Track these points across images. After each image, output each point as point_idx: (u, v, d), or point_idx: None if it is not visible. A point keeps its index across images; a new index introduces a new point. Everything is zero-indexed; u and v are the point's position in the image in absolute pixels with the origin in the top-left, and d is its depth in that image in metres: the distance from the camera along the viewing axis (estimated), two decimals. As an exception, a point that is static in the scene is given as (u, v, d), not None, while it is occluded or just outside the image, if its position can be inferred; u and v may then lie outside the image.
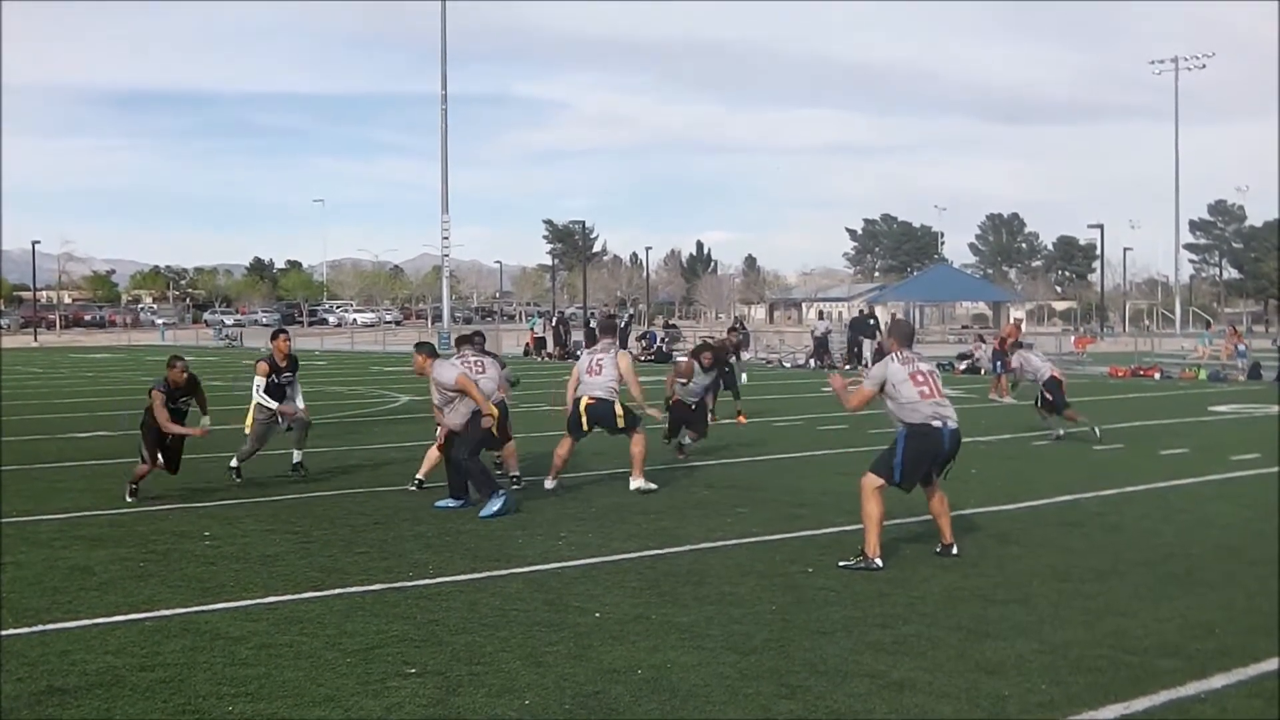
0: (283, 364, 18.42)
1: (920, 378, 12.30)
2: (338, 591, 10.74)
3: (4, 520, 14.17)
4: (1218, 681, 8.24)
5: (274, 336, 18.91)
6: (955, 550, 12.31)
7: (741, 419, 25.77)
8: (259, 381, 18.25)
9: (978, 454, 20.69)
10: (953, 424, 12.26)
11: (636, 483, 16.28)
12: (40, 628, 9.54)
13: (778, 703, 7.78)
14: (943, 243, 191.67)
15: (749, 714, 7.59)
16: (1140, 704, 7.78)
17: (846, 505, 15.13)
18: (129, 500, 15.53)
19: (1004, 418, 27.07)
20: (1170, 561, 12.16)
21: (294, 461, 18.26)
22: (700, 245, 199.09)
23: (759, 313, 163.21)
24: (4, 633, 9.37)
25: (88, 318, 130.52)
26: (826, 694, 7.95)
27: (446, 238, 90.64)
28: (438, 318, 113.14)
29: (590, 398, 16.76)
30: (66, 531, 13.57)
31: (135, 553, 12.36)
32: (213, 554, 12.36)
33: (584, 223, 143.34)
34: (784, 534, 13.11)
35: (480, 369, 16.81)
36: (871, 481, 12.08)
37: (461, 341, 18.12)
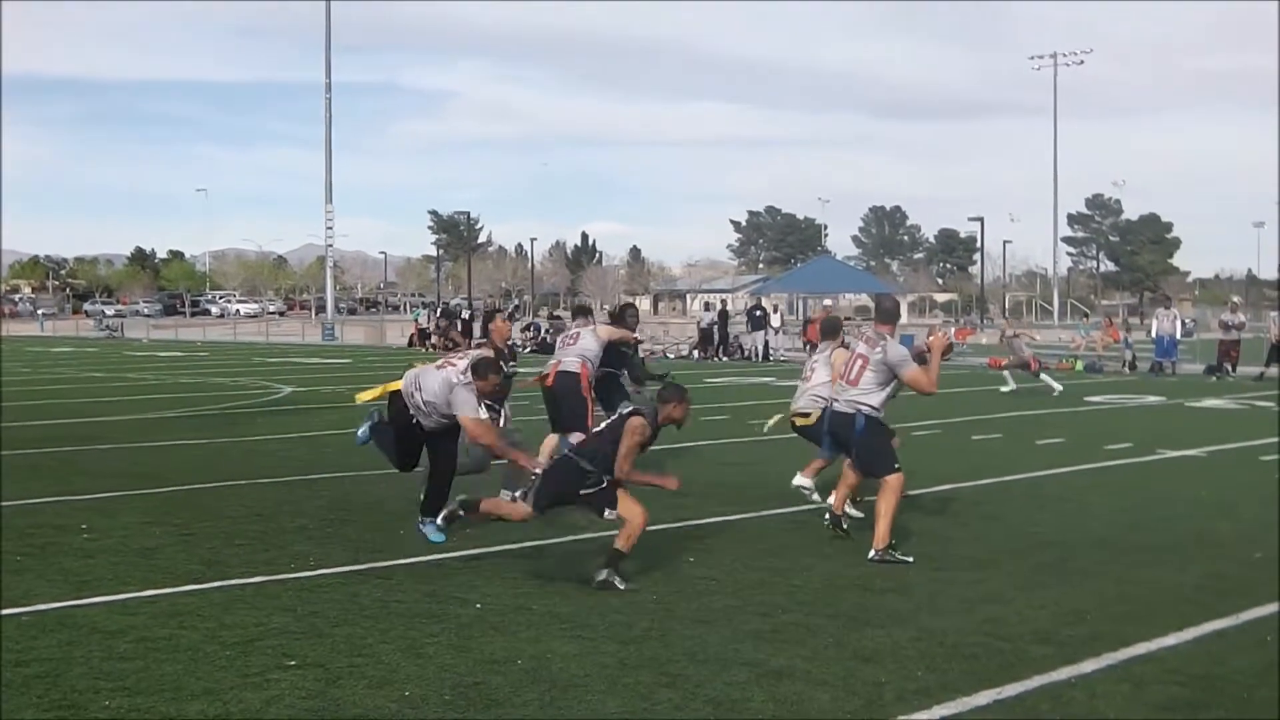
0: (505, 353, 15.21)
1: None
2: (218, 584, 10.64)
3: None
4: (1088, 667, 8.39)
5: (490, 318, 16.08)
6: (871, 555, 12.22)
7: None
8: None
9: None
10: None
11: None
12: (-88, 623, 9.37)
13: (658, 691, 7.82)
14: (826, 235, 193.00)
15: (629, 703, 7.62)
16: (1012, 689, 7.90)
17: (729, 496, 15.24)
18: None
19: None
20: (1045, 550, 12.36)
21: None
22: (585, 236, 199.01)
23: (644, 304, 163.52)
24: (-126, 628, 9.21)
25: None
26: (706, 682, 8.00)
27: (330, 228, 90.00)
28: (321, 308, 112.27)
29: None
30: (-60, 525, 13.32)
31: (11, 546, 12.15)
32: (91, 547, 12.19)
33: (469, 213, 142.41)
34: (667, 524, 13.14)
35: (572, 341, 16.35)
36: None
37: (578, 312, 17.67)
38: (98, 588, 10.48)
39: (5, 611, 9.67)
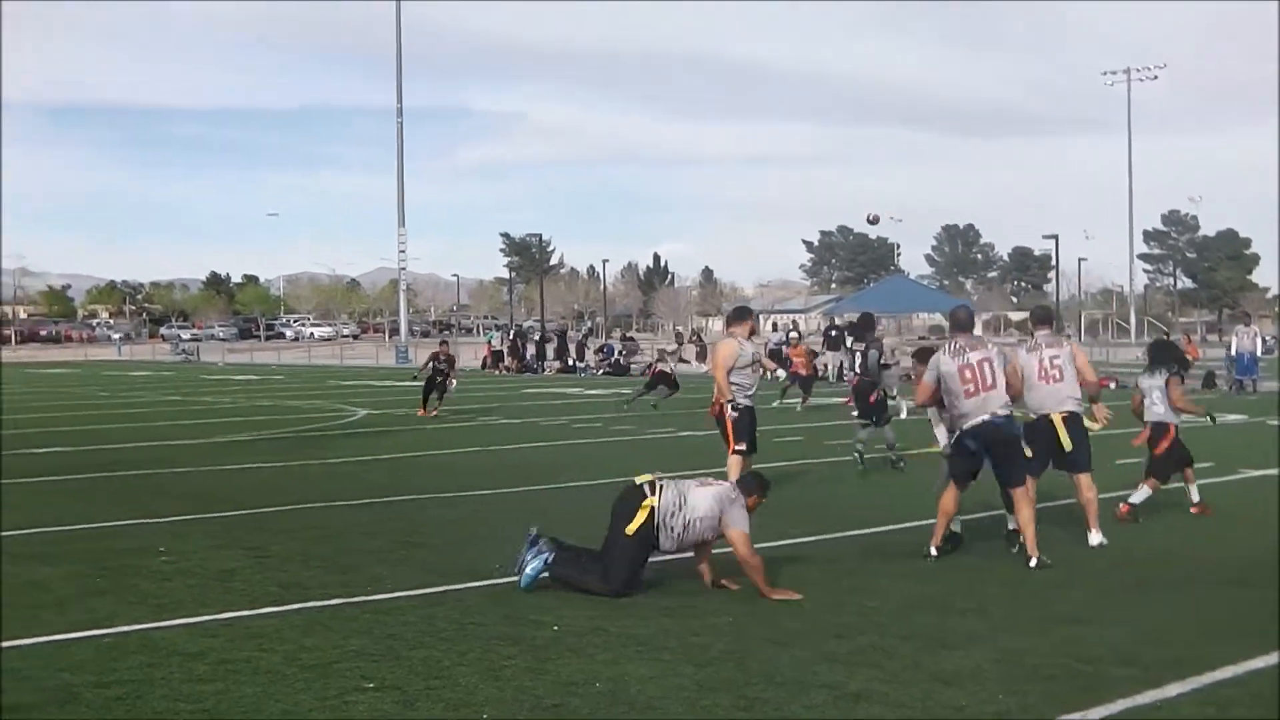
0: None
1: (969, 372, 12.65)
2: (295, 606, 10.68)
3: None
4: (1172, 690, 8.28)
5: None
6: (1034, 563, 12.37)
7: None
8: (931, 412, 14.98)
9: (932, 465, 20.77)
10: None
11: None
12: (-5, 645, 9.47)
13: (735, 714, 7.79)
14: (899, 254, 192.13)
15: (706, 726, 7.60)
16: (1095, 713, 7.81)
17: (802, 517, 15.17)
18: None
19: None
20: (1124, 570, 12.24)
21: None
22: (657, 258, 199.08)
23: (716, 324, 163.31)
24: (-42, 651, 9.31)
25: (43, 333, 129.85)
26: (783, 705, 7.96)
27: (403, 251, 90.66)
28: (395, 331, 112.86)
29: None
30: (20, 548, 13.46)
31: (89, 569, 12.27)
32: (168, 570, 12.29)
33: (540, 235, 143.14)
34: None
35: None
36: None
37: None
38: (177, 610, 10.55)
39: (87, 633, 9.77)
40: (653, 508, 11.24)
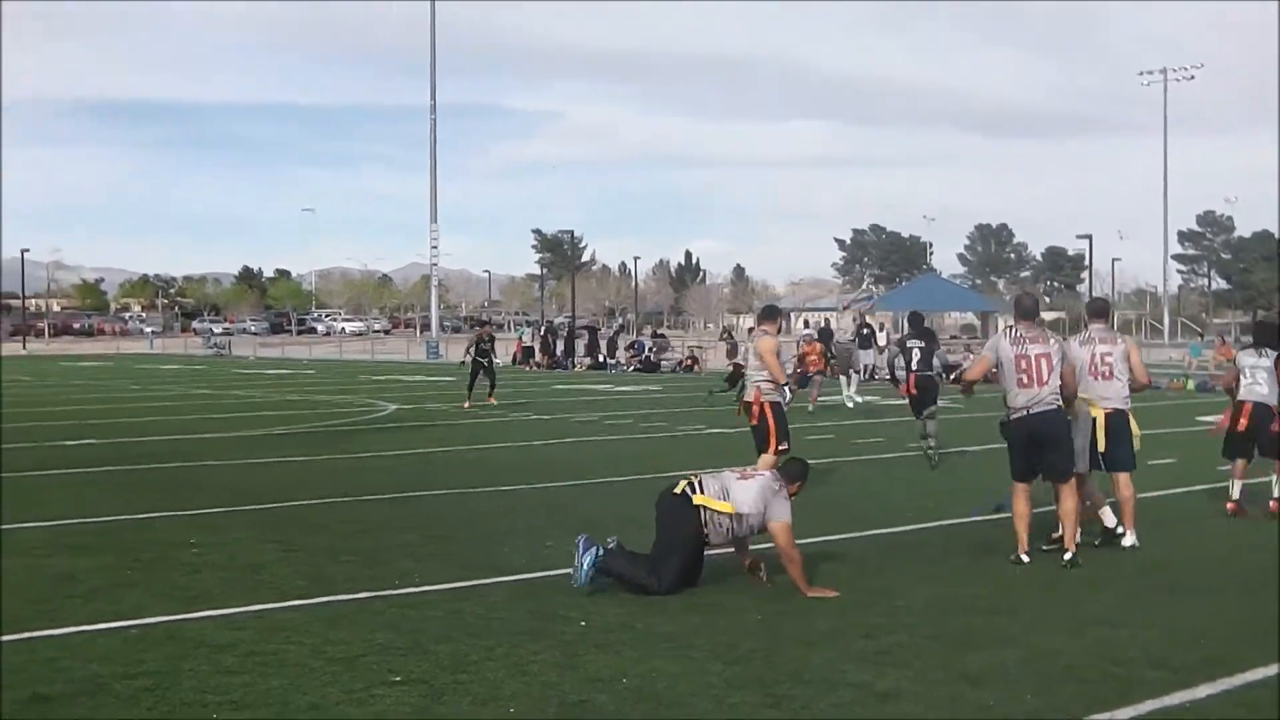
0: None
1: (1024, 363, 12.60)
2: (323, 600, 10.71)
3: (-11, 528, 14.14)
4: (1203, 691, 8.24)
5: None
6: (1068, 557, 12.42)
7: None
8: None
9: (964, 463, 20.74)
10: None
11: None
12: (25, 635, 9.48)
13: (763, 711, 7.77)
14: (931, 253, 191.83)
15: (734, 723, 7.59)
16: (1124, 713, 7.77)
17: (831, 516, 15.13)
18: None
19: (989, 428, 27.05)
20: (1157, 571, 12.18)
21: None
22: (689, 255, 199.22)
23: (747, 322, 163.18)
24: (-10, 640, 9.35)
25: (76, 326, 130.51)
26: (811, 703, 7.94)
27: (435, 247, 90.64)
28: (426, 326, 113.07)
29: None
30: (51, 539, 13.52)
31: (120, 561, 12.32)
32: (198, 562, 12.32)
33: (572, 232, 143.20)
34: (769, 544, 13.03)
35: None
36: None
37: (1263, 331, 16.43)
38: (205, 602, 10.59)
39: (116, 624, 9.80)
40: (700, 506, 11.25)
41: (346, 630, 9.66)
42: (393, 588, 11.18)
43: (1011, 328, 12.91)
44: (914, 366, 21.48)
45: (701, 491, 11.31)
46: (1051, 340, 12.85)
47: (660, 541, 11.28)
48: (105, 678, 8.38)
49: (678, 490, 11.37)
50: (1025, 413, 12.58)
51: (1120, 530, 13.40)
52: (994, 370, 12.97)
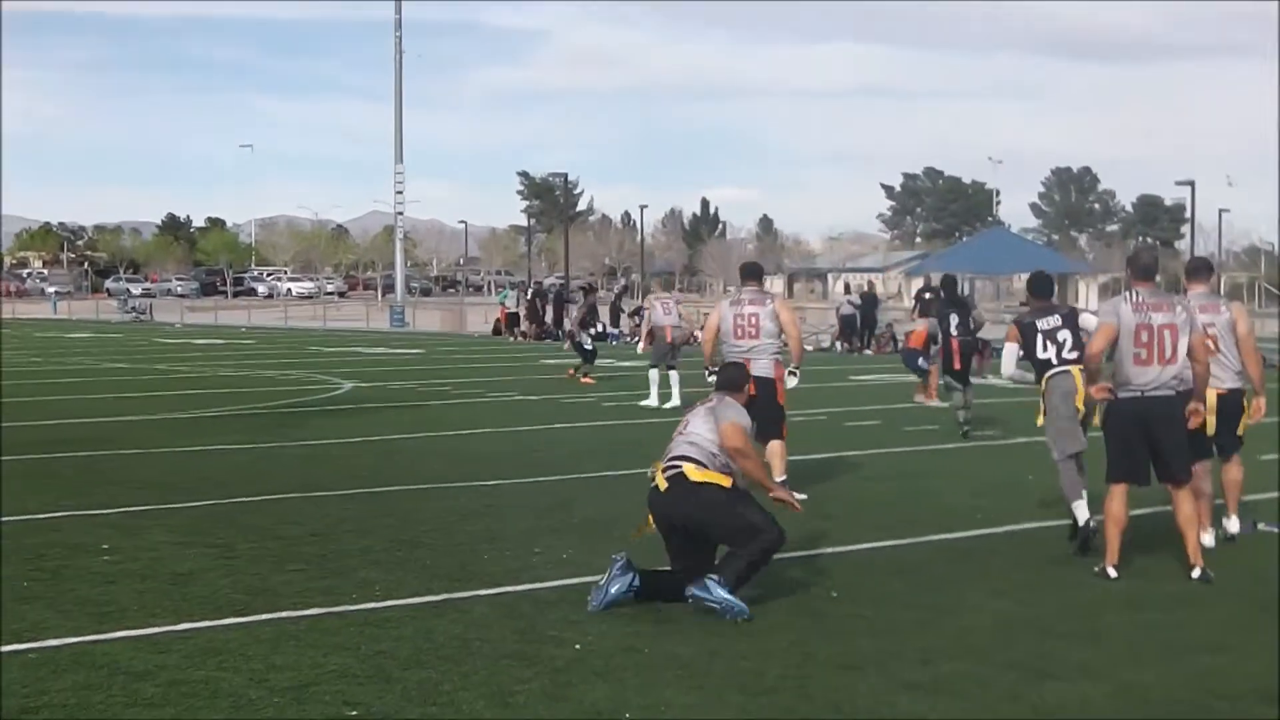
0: None
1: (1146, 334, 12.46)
2: (266, 617, 10.72)
3: None
4: (1326, 732, 8.25)
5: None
6: (1198, 574, 12.32)
7: None
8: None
9: (1034, 456, 20.71)
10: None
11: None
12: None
13: (794, 754, 7.79)
14: (999, 202, 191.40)
15: (760, 767, 7.60)
16: (1232, 758, 7.79)
17: (880, 518, 15.14)
18: None
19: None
20: (1267, 588, 12.14)
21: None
22: (706, 204, 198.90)
23: (776, 285, 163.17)
24: None
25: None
26: (853, 743, 7.96)
27: (400, 192, 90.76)
28: (389, 288, 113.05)
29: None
30: (-63, 543, 13.52)
31: (18, 570, 12.31)
32: (113, 571, 12.33)
33: (566, 176, 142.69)
34: (804, 550, 13.09)
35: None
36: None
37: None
38: (121, 620, 10.59)
39: (10, 648, 9.79)
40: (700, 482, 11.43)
41: (293, 654, 9.67)
42: (350, 602, 11.20)
43: (1134, 290, 12.76)
44: (953, 332, 22.58)
45: (690, 462, 11.47)
46: (1178, 308, 12.65)
47: (710, 528, 11.39)
48: None
49: (662, 485, 11.41)
50: (1140, 394, 12.46)
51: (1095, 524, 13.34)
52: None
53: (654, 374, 29.56)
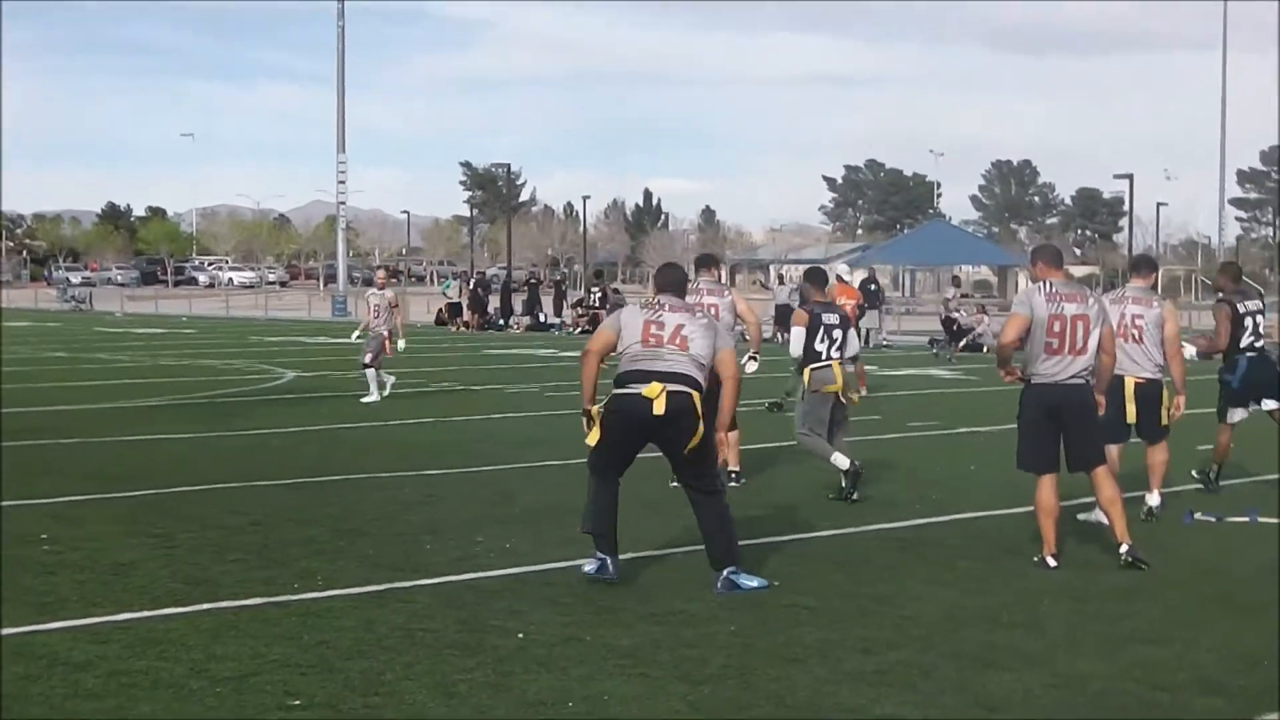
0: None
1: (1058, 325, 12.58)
2: (207, 607, 10.67)
3: None
4: (1266, 722, 8.29)
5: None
6: (1125, 550, 12.52)
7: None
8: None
9: (977, 447, 20.80)
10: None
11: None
12: None
13: (737, 743, 7.78)
14: (939, 195, 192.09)
15: (703, 757, 7.59)
16: (1173, 748, 7.82)
17: (826, 507, 15.16)
18: None
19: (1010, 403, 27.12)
20: (1211, 580, 12.18)
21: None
22: (649, 195, 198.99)
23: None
24: None
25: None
26: (796, 733, 7.95)
27: (343, 182, 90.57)
28: (332, 278, 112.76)
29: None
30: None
31: (-44, 559, 12.24)
32: (52, 562, 12.25)
33: (509, 166, 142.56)
34: (748, 539, 13.07)
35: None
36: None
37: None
38: (61, 610, 10.52)
39: (-48, 636, 9.73)
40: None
41: (234, 644, 9.63)
42: (292, 592, 11.16)
43: (1047, 281, 12.83)
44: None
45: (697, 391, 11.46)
46: (1090, 299, 12.82)
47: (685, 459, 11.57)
48: (-63, 702, 8.33)
49: (659, 408, 11.30)
50: (1051, 382, 12.55)
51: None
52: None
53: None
